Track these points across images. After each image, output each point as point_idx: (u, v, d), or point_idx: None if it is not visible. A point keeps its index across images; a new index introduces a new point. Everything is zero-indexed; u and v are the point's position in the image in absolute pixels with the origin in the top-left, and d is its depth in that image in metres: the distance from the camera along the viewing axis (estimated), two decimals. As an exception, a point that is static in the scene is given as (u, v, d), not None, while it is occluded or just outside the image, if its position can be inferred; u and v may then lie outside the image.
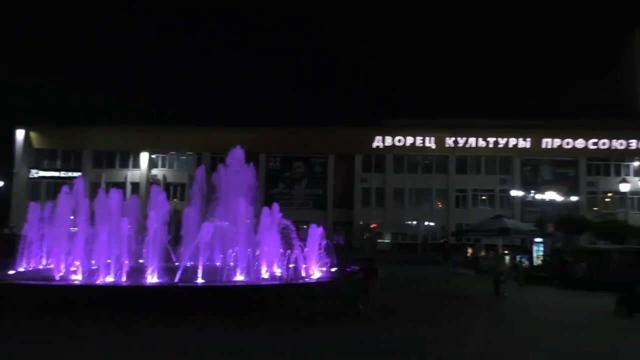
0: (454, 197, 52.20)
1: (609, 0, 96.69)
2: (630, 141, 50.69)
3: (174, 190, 52.21)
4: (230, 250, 14.44)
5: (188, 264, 14.04)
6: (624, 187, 35.85)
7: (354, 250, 44.72)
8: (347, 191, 52.77)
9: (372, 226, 50.89)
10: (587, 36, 62.68)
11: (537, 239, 27.86)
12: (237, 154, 18.71)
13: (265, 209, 16.17)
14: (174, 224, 19.16)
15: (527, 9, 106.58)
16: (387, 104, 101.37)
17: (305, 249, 15.53)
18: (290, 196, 52.43)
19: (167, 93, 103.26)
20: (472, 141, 51.77)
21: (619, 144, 50.79)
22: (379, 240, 49.92)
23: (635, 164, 51.05)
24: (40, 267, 16.11)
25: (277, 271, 15.35)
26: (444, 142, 52.01)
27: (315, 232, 16.68)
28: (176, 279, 12.88)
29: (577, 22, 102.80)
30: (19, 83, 79.15)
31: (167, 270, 13.75)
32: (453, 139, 51.84)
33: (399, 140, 52.12)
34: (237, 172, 18.30)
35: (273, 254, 15.50)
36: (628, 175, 49.10)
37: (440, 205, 52.78)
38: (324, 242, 16.45)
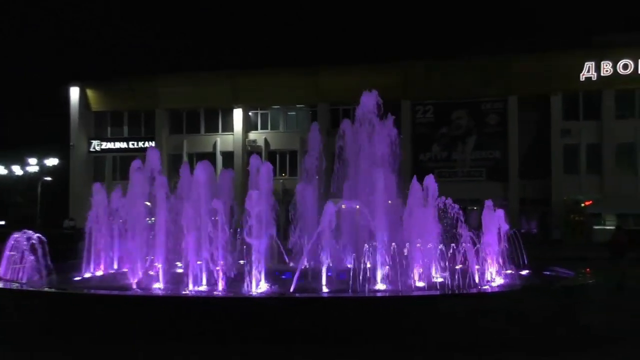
0: None
1: None
2: None
3: (280, 160, 54.19)
4: (366, 246, 14.65)
5: (306, 266, 14.55)
6: None
7: (554, 243, 43.19)
8: (540, 152, 50.89)
9: (584, 204, 48.65)
10: None
11: None
12: (369, 102, 18.76)
13: (415, 184, 16.14)
14: (283, 208, 19.86)
15: None
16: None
17: (479, 243, 15.28)
18: (451, 163, 51.87)
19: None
20: None
21: None
22: (596, 227, 47.49)
23: None
24: (111, 271, 17.71)
25: (437, 276, 15.33)
26: None
27: (493, 216, 16.31)
28: (291, 288, 13.36)
29: None
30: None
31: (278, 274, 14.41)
32: None
33: (625, 66, 48.82)
34: (371, 129, 18.44)
35: (430, 250, 15.48)
36: None
37: None
38: (506, 231, 16.05)
